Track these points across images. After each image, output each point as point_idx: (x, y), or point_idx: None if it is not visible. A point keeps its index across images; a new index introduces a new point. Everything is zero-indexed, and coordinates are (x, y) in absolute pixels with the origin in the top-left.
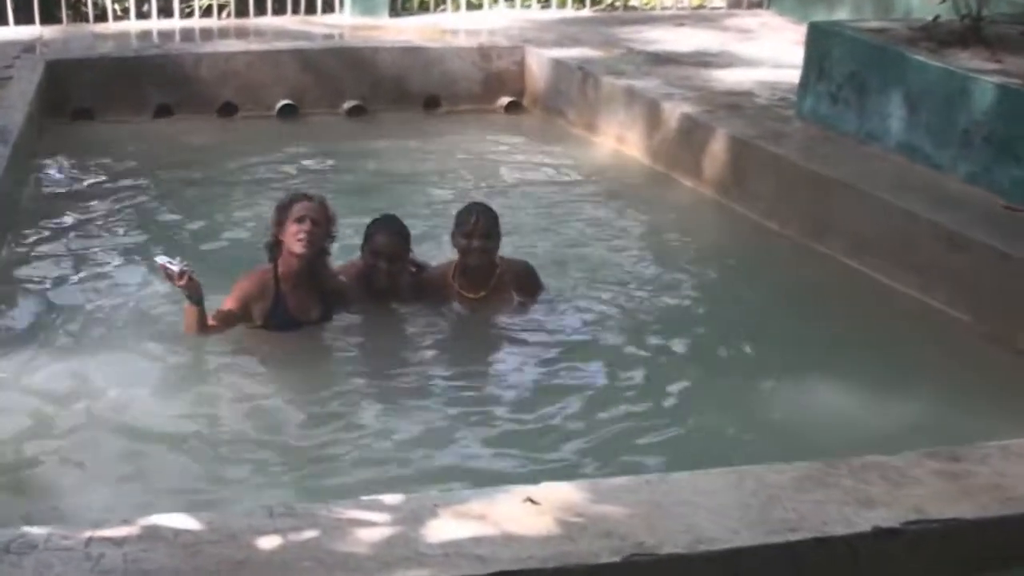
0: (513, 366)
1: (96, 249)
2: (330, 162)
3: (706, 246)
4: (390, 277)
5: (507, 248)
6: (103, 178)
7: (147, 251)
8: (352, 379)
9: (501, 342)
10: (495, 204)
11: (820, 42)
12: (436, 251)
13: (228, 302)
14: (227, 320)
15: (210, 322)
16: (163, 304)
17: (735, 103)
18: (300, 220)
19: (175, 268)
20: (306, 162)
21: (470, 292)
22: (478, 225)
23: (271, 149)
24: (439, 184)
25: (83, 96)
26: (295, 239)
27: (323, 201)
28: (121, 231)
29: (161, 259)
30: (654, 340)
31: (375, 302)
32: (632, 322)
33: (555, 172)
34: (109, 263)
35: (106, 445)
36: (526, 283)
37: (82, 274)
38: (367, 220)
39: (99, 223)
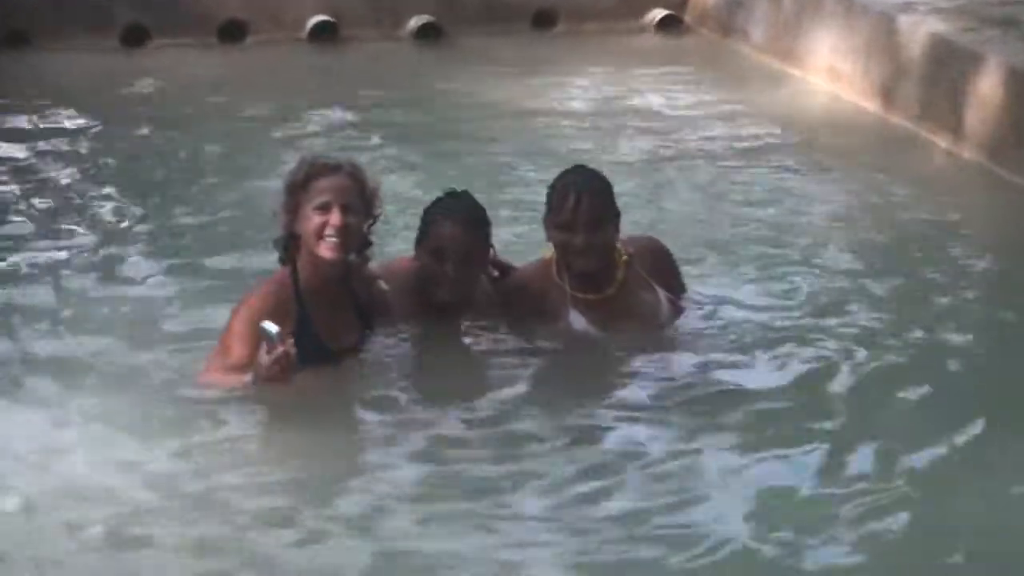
0: (701, 421)
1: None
2: (383, 110)
3: (973, 241)
4: (459, 287)
5: (662, 239)
6: (37, 135)
7: (95, 253)
8: (420, 447)
9: (668, 372)
10: (638, 176)
11: None
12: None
13: (235, 342)
14: (243, 371)
15: (229, 381)
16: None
17: (1013, 17)
18: (324, 207)
19: (273, 332)
20: (347, 113)
21: (589, 292)
22: (579, 212)
23: (296, 90)
24: (550, 142)
25: (17, 15)
26: (319, 238)
27: (356, 170)
28: (54, 219)
29: (268, 325)
30: (905, 386)
31: (437, 321)
32: (869, 353)
33: (731, 124)
34: (25, 268)
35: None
36: (664, 267)
37: None
38: (431, 199)
39: (21, 206)
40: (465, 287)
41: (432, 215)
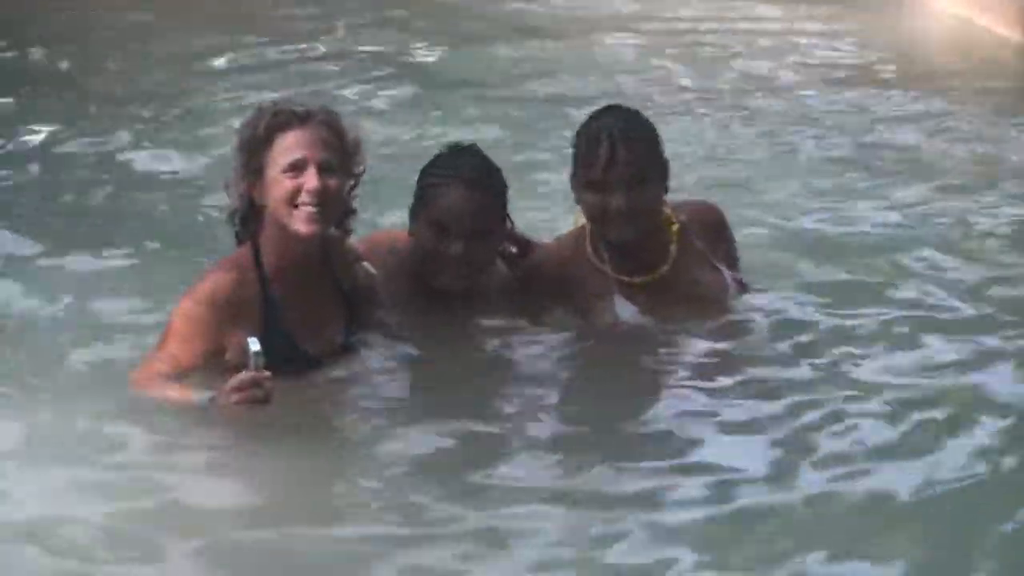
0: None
1: None
2: (371, 30)
3: None
4: (466, 270)
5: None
6: None
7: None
8: (427, 480)
9: (744, 377)
10: (717, 120)
11: None
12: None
13: (177, 343)
14: (186, 381)
15: (171, 393)
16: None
17: None
18: (295, 167)
19: (256, 349)
20: (318, 42)
21: (637, 273)
22: (616, 165)
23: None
24: (611, 69)
25: None
26: (291, 207)
27: (331, 118)
28: None
29: (254, 343)
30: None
31: (440, 313)
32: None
33: (836, 55)
34: None
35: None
36: (721, 239)
37: None
38: (430, 155)
39: None
40: (474, 270)
41: (431, 177)
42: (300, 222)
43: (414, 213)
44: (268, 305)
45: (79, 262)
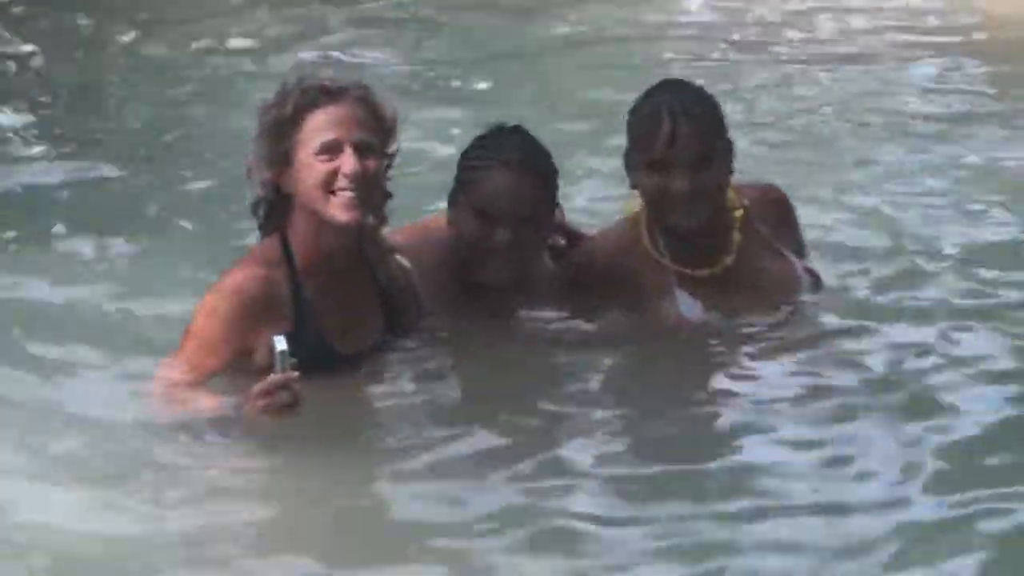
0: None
1: None
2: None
3: None
4: (512, 263)
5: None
6: None
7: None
8: (461, 493)
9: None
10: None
11: None
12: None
13: (201, 347)
14: (208, 384)
15: (195, 404)
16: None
17: None
18: (330, 148)
19: (283, 349)
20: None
21: (699, 264)
22: (678, 143)
23: None
24: (650, 57)
25: None
26: (327, 194)
27: (366, 93)
28: None
29: (280, 343)
30: None
31: (483, 311)
32: None
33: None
34: None
35: None
36: (787, 225)
37: None
38: (471, 136)
39: None
40: (521, 262)
41: (472, 159)
42: (338, 209)
43: (453, 200)
44: (299, 303)
45: (85, 254)
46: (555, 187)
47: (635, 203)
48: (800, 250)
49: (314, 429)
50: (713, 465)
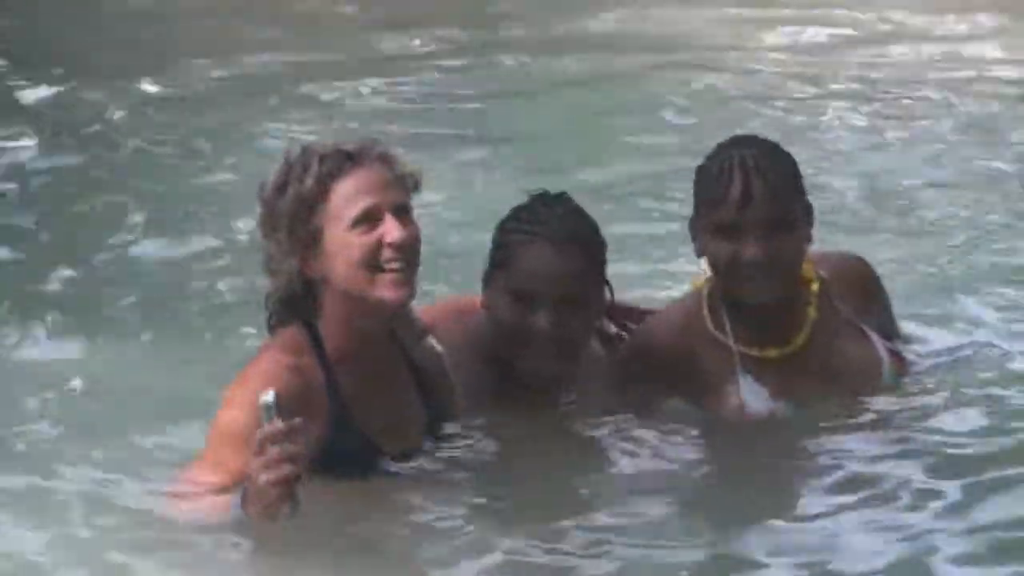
0: None
1: None
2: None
3: None
4: (558, 352)
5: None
6: None
7: None
8: None
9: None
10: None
11: None
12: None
13: (221, 447)
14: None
15: (207, 507)
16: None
17: None
18: (369, 218)
19: (271, 401)
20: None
21: (766, 344)
22: (752, 204)
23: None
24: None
25: None
26: (372, 272)
27: (385, 152)
28: None
29: (268, 396)
30: None
31: (524, 407)
32: None
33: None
34: None
35: None
36: (872, 300)
37: None
38: (507, 207)
39: None
40: (566, 350)
41: (511, 233)
42: (388, 288)
43: (489, 279)
44: (335, 396)
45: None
46: (603, 263)
47: (701, 276)
48: (889, 331)
49: (344, 530)
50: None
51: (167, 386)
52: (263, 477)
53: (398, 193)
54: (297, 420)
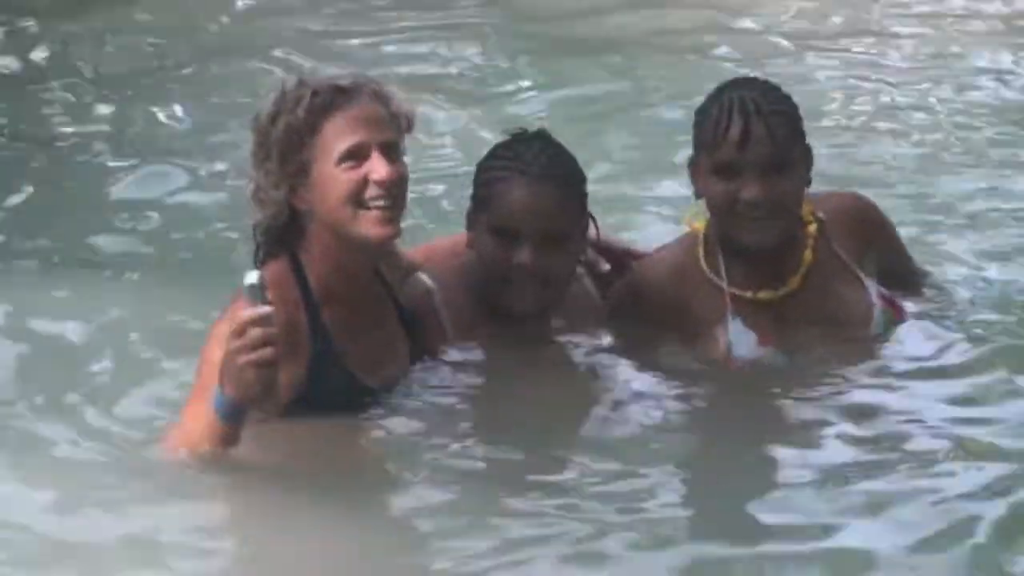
0: None
1: None
2: None
3: None
4: (541, 289)
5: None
6: None
7: None
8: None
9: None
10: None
11: None
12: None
13: (204, 381)
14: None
15: (212, 443)
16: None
17: None
18: (356, 154)
19: (253, 283)
20: None
21: (759, 286)
22: (750, 144)
23: None
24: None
25: None
26: (357, 208)
27: (378, 88)
28: None
29: (251, 276)
30: None
31: (510, 342)
32: None
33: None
34: None
35: None
36: (876, 238)
37: None
38: (490, 143)
39: None
40: (549, 285)
41: (490, 171)
42: (370, 225)
43: (472, 218)
44: (318, 331)
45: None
46: (583, 197)
47: (698, 216)
48: (898, 265)
49: (330, 466)
50: (746, 524)
51: (157, 325)
52: (243, 358)
53: (388, 131)
54: (268, 309)
